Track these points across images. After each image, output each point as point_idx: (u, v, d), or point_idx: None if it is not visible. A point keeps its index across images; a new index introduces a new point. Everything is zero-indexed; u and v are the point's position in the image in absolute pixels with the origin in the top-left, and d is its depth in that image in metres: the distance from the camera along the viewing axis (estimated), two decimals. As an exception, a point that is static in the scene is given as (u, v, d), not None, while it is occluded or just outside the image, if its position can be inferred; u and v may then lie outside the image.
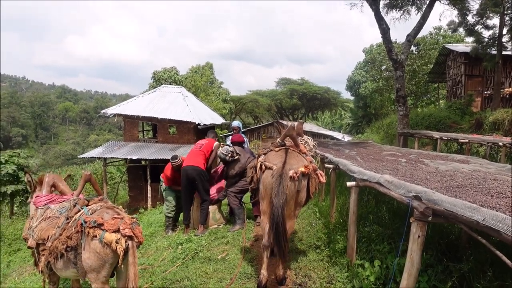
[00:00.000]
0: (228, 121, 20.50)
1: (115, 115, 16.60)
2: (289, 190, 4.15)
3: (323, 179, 4.70)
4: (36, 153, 65.58)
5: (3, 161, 14.50)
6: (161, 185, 7.19)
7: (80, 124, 79.02)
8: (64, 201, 3.81)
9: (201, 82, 31.18)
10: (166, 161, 15.13)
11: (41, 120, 74.34)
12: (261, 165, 4.45)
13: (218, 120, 18.74)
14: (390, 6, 12.06)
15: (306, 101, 46.54)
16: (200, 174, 6.35)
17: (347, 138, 27.79)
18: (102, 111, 16.66)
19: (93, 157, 15.21)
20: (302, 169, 4.31)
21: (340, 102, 45.34)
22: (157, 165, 15.42)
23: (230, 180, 6.63)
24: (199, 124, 15.58)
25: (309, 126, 32.79)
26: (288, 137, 4.80)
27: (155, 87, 25.52)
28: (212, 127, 18.23)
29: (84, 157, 15.27)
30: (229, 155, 6.54)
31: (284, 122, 32.64)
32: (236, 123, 7.99)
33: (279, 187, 4.05)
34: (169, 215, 7.07)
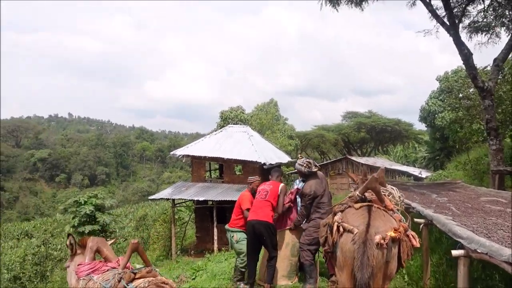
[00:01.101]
0: (293, 159, 19.78)
1: (183, 156, 16.81)
2: (375, 261, 3.25)
3: (416, 242, 3.72)
4: (117, 190, 70.39)
5: (82, 202, 15.22)
6: (232, 236, 6.43)
7: (155, 162, 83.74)
8: (108, 269, 3.33)
9: (266, 120, 31.19)
10: (232, 202, 14.76)
11: (121, 159, 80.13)
12: (338, 227, 3.63)
13: (284, 158, 18.12)
14: (474, 30, 10.73)
15: (375, 134, 44.33)
16: (269, 229, 5.64)
17: (424, 174, 25.36)
18: (171, 152, 16.99)
19: (162, 198, 15.34)
20: (392, 233, 3.39)
21: (413, 134, 42.41)
22: (223, 206, 15.08)
23: (304, 205, 5.76)
24: (264, 164, 15.07)
25: (380, 161, 30.73)
26: (369, 190, 3.95)
27: (222, 126, 25.87)
28: (278, 166, 17.62)
29: (154, 198, 15.47)
30: (305, 165, 5.74)
31: (353, 158, 31.01)
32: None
33: (363, 257, 3.18)
34: (243, 269, 6.30)
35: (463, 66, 31.42)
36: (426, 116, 31.34)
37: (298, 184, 7.12)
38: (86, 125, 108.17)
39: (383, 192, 4.17)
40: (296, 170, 7.34)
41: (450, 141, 29.29)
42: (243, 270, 6.28)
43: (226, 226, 6.52)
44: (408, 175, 26.69)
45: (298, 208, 6.12)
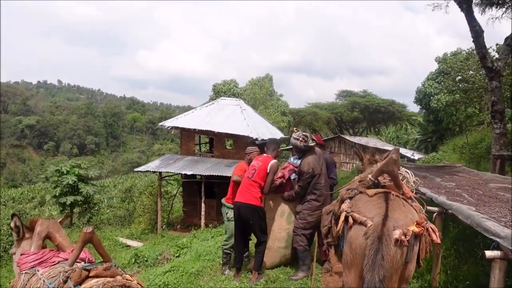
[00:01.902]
0: (286, 136, 19.09)
1: (172, 127, 15.99)
2: (392, 262, 2.60)
3: (436, 237, 3.08)
4: (106, 160, 69.45)
5: (65, 172, 14.44)
6: (226, 212, 5.80)
7: (146, 134, 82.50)
8: (58, 262, 2.64)
9: (260, 95, 30.23)
10: (221, 177, 14.15)
11: (112, 129, 78.72)
12: (346, 217, 2.96)
13: (277, 134, 17.40)
14: (489, 4, 9.89)
15: (368, 114, 43.72)
16: (256, 212, 4.97)
17: (417, 156, 24.99)
18: (160, 123, 16.15)
19: (148, 170, 14.61)
20: (414, 227, 2.74)
21: (406, 115, 41.94)
22: (212, 181, 14.45)
23: (302, 185, 5.12)
24: (256, 139, 14.36)
25: (373, 141, 30.27)
26: (385, 173, 3.27)
27: (215, 99, 24.97)
28: (278, 142, 16.94)
29: (140, 171, 14.75)
30: (301, 139, 5.06)
31: (346, 137, 30.47)
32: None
33: (376, 256, 2.52)
34: (228, 251, 5.72)
35: (463, 48, 30.10)
36: (422, 98, 30.71)
37: (292, 161, 6.44)
38: (76, 93, 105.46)
39: (397, 176, 3.50)
40: (290, 146, 6.64)
41: (444, 124, 28.85)
42: (227, 252, 5.69)
43: (223, 200, 5.87)
44: (401, 156, 26.31)
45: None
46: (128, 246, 13.16)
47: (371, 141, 29.60)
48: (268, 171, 5.09)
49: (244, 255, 5.61)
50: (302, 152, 5.25)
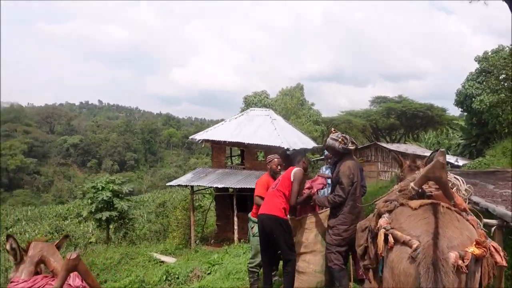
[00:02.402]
0: (319, 145, 18.46)
1: (203, 140, 15.86)
2: (451, 293, 2.06)
3: (501, 259, 2.47)
4: (145, 175, 71.24)
5: (100, 188, 14.62)
6: (251, 227, 5.41)
7: (182, 149, 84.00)
8: None
9: (291, 105, 29.78)
10: (253, 190, 13.63)
11: (149, 145, 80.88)
12: (386, 235, 2.44)
13: (309, 144, 16.83)
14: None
15: (405, 120, 41.95)
16: (279, 225, 4.47)
17: (461, 161, 23.39)
18: (190, 137, 16.08)
19: (180, 184, 14.49)
20: (474, 248, 2.18)
21: (446, 120, 39.83)
22: (244, 194, 14.07)
23: (339, 194, 4.50)
24: (288, 149, 13.87)
25: (412, 148, 28.79)
26: (430, 181, 2.72)
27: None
28: (302, 151, 16.39)
29: (172, 185, 14.66)
30: (340, 139, 4.49)
31: (383, 145, 29.21)
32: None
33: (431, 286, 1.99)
34: (254, 269, 5.28)
35: (504, 45, 28.30)
36: (463, 100, 28.93)
37: (324, 171, 5.91)
38: (115, 112, 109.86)
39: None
40: (323, 156, 6.13)
41: (490, 127, 26.93)
42: (253, 270, 5.23)
43: (249, 215, 5.47)
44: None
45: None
46: (162, 261, 13.00)
47: (410, 148, 28.15)
48: (292, 179, 4.60)
49: (273, 273, 5.13)
50: (339, 155, 4.72)
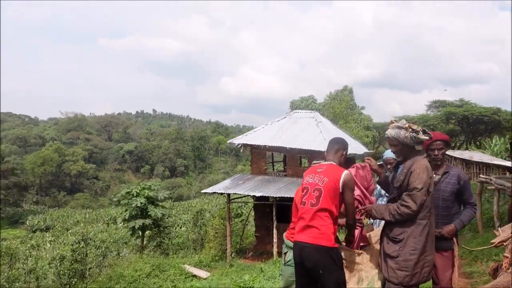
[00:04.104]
0: (371, 151, 16.36)
1: (241, 145, 14.54)
2: None
3: None
4: (194, 181, 71.98)
5: (135, 194, 13.81)
6: (284, 252, 3.82)
7: (230, 156, 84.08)
8: None
9: (339, 109, 27.68)
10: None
11: (199, 152, 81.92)
12: None
13: (360, 149, 14.87)
14: None
15: (466, 125, 37.85)
16: (329, 258, 2.94)
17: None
18: (229, 141, 14.87)
19: (215, 192, 13.24)
20: None
21: (516, 124, 35.25)
22: (285, 204, 12.49)
23: (410, 204, 2.91)
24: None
25: (478, 155, 25.35)
26: None
27: (290, 115, 23.24)
28: (352, 158, 14.44)
29: (207, 192, 13.46)
30: (407, 125, 2.98)
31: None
32: (391, 153, 4.18)
33: None
34: None
35: None
36: (540, 101, 25.08)
37: (388, 155, 4.23)
38: (168, 120, 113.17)
39: None
40: (382, 159, 4.39)
41: None
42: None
43: (283, 235, 3.90)
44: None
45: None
46: (194, 275, 11.76)
47: (476, 155, 24.76)
48: (341, 189, 3.00)
49: None
50: (407, 152, 3.08)
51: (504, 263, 1.54)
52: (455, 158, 23.17)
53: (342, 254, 3.21)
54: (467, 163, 22.91)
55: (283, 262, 3.82)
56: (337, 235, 3.19)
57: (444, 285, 3.46)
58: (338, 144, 3.31)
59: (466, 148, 38.80)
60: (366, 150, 15.67)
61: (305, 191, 3.16)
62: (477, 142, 40.81)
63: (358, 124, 29.18)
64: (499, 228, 1.96)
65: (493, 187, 6.71)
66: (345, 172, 3.04)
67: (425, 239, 2.93)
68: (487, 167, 21.77)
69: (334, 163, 3.15)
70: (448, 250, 3.35)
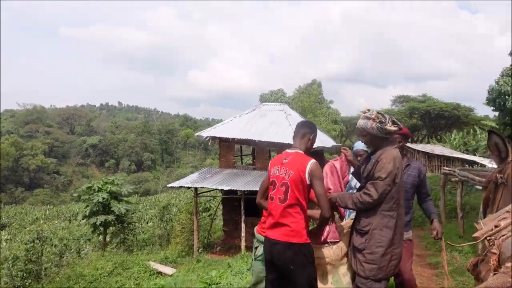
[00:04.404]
0: (339, 144, 16.52)
1: (209, 138, 14.17)
2: None
3: None
4: (162, 176, 70.57)
5: (96, 189, 13.13)
6: (255, 247, 3.59)
7: (198, 149, 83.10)
8: None
9: (308, 103, 27.83)
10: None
11: (166, 145, 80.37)
12: None
13: (328, 142, 14.94)
14: None
15: (428, 120, 39.34)
16: (299, 254, 2.78)
17: (496, 164, 20.90)
18: (196, 134, 14.47)
19: (182, 186, 12.85)
20: None
21: (474, 120, 37.08)
22: (253, 197, 12.32)
23: (371, 193, 2.81)
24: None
25: (439, 149, 26.40)
26: None
27: (259, 108, 23.03)
28: (320, 151, 14.48)
29: (174, 187, 13.03)
30: (373, 116, 2.90)
31: (408, 145, 26.92)
32: (362, 145, 4.04)
33: None
34: None
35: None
36: (496, 97, 26.35)
37: (358, 147, 4.10)
38: (134, 113, 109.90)
39: None
40: (353, 150, 4.23)
41: (526, 126, 24.36)
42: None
43: (255, 230, 3.67)
44: (475, 164, 22.37)
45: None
46: (159, 272, 11.36)
47: (437, 149, 25.80)
48: (308, 181, 2.81)
49: None
50: (375, 143, 2.98)
51: (492, 260, 1.39)
52: (418, 151, 23.98)
53: None
54: (429, 156, 23.77)
55: (253, 257, 3.62)
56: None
57: (407, 276, 3.49)
58: (304, 128, 3.09)
59: (428, 142, 40.39)
60: (334, 143, 15.78)
61: (272, 185, 2.96)
62: (438, 136, 42.60)
63: (326, 118, 29.53)
64: (480, 221, 1.83)
65: (457, 179, 6.84)
66: (311, 161, 2.83)
67: (392, 231, 2.84)
68: (447, 160, 22.79)
69: (300, 151, 2.95)
70: (407, 240, 3.38)
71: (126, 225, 13.88)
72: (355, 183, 3.89)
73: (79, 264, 11.17)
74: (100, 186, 13.23)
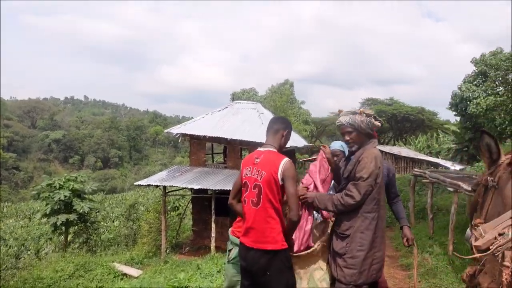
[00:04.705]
0: (310, 144, 16.55)
1: (180, 135, 13.75)
2: None
3: None
4: (129, 173, 68.57)
5: (57, 186, 12.36)
6: (229, 249, 3.41)
7: (168, 147, 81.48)
8: None
9: (280, 102, 27.87)
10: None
11: (135, 142, 78.25)
12: None
13: (300, 142, 14.90)
14: None
15: (395, 123, 40.59)
16: (278, 261, 2.60)
17: (458, 166, 21.87)
18: (166, 130, 14.01)
19: (150, 184, 12.37)
20: None
21: (437, 124, 38.67)
22: (224, 197, 12.05)
23: (354, 194, 2.68)
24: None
25: (405, 151, 27.22)
26: None
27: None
28: (291, 150, 14.44)
29: (141, 185, 12.53)
30: (360, 111, 2.82)
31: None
32: (338, 144, 3.82)
33: None
34: None
35: (503, 48, 27.10)
36: (458, 102, 27.48)
37: (334, 146, 3.93)
38: (101, 108, 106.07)
39: None
40: (315, 156, 4.05)
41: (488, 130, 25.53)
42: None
43: (229, 231, 3.43)
44: (439, 166, 23.26)
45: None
46: (124, 274, 10.85)
47: (403, 151, 26.59)
48: (281, 181, 2.61)
49: None
50: (361, 139, 2.85)
51: (504, 274, 1.25)
52: (386, 152, 24.60)
53: None
54: (396, 157, 24.44)
55: (227, 260, 3.41)
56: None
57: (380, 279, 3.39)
58: (277, 123, 2.87)
59: (394, 144, 41.67)
60: (306, 143, 15.78)
61: (245, 187, 2.75)
62: (403, 139, 44.05)
63: (298, 118, 29.70)
64: (479, 228, 1.70)
65: (427, 181, 6.93)
66: (284, 160, 2.63)
67: (373, 233, 2.72)
68: (413, 162, 23.57)
69: (273, 149, 2.74)
70: None
71: (89, 225, 13.16)
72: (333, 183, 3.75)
73: (37, 266, 10.47)
74: (61, 183, 12.46)
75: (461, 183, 4.79)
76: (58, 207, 12.18)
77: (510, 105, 20.85)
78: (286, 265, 2.62)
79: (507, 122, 24.15)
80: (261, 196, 2.61)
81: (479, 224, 2.09)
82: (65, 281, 9.73)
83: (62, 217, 11.89)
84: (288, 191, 2.59)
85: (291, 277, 2.69)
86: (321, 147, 3.16)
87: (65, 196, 12.07)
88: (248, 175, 2.72)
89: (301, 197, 2.81)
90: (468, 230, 2.46)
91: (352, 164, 2.78)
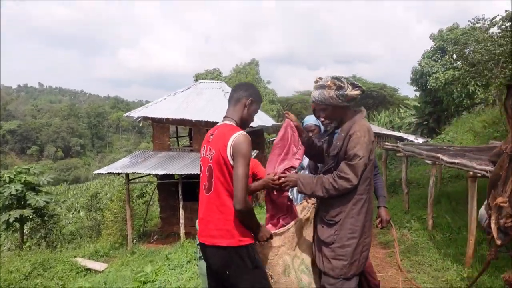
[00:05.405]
0: (278, 123, 16.13)
1: (141, 118, 12.83)
2: None
3: None
4: (93, 162, 65.75)
5: (7, 180, 11.15)
6: (197, 248, 2.89)
7: (132, 133, 78.75)
8: None
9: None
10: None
11: (96, 130, 75.06)
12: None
13: (268, 121, 14.43)
14: None
15: (358, 99, 41.07)
16: (234, 259, 2.04)
17: (420, 140, 22.44)
18: (125, 114, 13.03)
19: (110, 172, 11.49)
20: None
21: (398, 99, 39.64)
22: (192, 181, 11.42)
23: (349, 176, 2.17)
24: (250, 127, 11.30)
25: (372, 127, 27.53)
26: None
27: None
28: (260, 130, 13.94)
29: (100, 173, 11.61)
30: (329, 82, 2.28)
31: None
32: (313, 119, 3.32)
33: None
34: None
35: (459, 24, 27.69)
36: (418, 77, 28.06)
37: (308, 121, 3.45)
38: (58, 95, 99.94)
39: None
40: (303, 126, 3.52)
41: (444, 105, 26.31)
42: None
43: (196, 222, 2.86)
44: (403, 140, 23.73)
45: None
46: (88, 269, 10.07)
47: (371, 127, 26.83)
48: (231, 160, 2.04)
49: None
50: (338, 115, 2.38)
51: None
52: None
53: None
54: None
55: (198, 256, 2.89)
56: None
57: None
58: (238, 91, 2.28)
59: (358, 121, 42.44)
60: (274, 123, 15.34)
61: (200, 170, 2.24)
62: (367, 115, 44.96)
63: (264, 98, 29.16)
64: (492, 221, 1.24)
65: (401, 154, 6.68)
66: (235, 134, 2.05)
67: (364, 217, 2.28)
68: (379, 137, 23.93)
69: (230, 122, 2.19)
70: None
71: (47, 219, 12.11)
72: (306, 162, 3.24)
73: (-12, 268, 9.47)
74: (11, 176, 11.26)
75: (440, 155, 4.49)
76: (10, 202, 11.03)
77: (468, 78, 21.28)
78: (247, 264, 2.06)
79: (463, 95, 24.90)
80: (212, 180, 2.08)
81: (502, 204, 1.65)
82: (21, 282, 8.85)
83: (15, 213, 10.77)
84: (235, 172, 1.99)
85: (257, 276, 2.12)
86: (285, 114, 2.58)
87: (17, 190, 10.93)
88: (203, 155, 2.20)
89: (280, 181, 2.29)
90: (482, 210, 2.06)
91: (341, 139, 2.28)
